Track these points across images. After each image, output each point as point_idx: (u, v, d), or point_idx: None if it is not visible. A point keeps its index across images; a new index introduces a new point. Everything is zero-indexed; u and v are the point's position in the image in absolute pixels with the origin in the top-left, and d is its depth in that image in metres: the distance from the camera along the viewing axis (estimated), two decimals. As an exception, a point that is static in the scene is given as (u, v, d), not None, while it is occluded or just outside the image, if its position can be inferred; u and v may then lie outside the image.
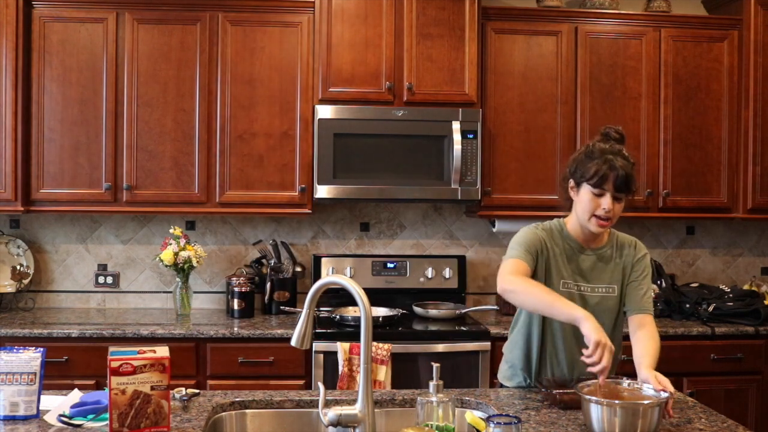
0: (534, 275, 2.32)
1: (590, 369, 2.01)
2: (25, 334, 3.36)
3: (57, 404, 2.15)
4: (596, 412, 1.88)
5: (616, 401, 1.88)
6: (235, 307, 3.77)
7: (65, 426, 1.99)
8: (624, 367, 3.52)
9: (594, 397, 1.90)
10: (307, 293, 1.94)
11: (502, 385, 2.53)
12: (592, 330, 2.03)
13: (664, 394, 1.96)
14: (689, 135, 3.93)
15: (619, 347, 2.41)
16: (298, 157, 3.74)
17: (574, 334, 2.32)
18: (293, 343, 1.96)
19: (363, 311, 1.86)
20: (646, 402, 1.89)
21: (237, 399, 2.25)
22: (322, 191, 3.67)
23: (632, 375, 2.14)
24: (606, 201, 2.25)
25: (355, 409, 1.85)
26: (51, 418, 2.04)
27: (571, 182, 2.36)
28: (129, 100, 3.68)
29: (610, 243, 2.42)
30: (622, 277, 2.39)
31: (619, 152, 2.29)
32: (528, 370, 2.44)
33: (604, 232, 2.39)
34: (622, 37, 3.90)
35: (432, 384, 1.93)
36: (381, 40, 3.71)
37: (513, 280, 2.23)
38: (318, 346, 3.40)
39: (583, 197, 2.30)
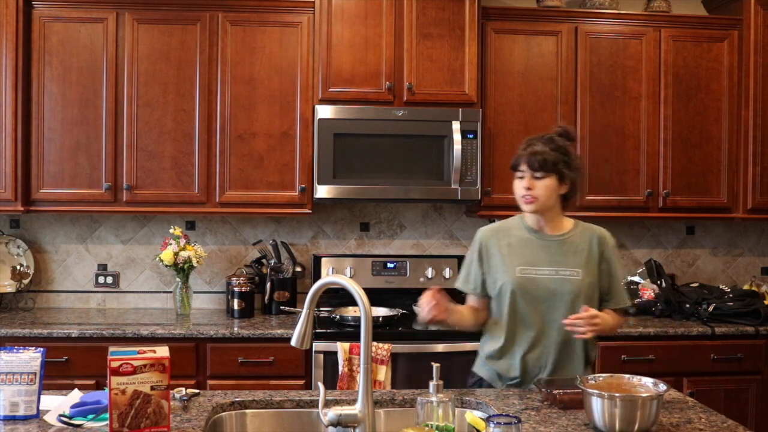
0: (488, 270, 2.51)
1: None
2: (25, 334, 3.36)
3: (57, 404, 2.15)
4: (597, 405, 1.93)
5: (617, 394, 1.93)
6: (235, 307, 3.77)
7: (65, 426, 1.99)
8: (625, 367, 3.53)
9: (595, 391, 1.95)
10: (307, 293, 1.95)
11: (481, 381, 2.56)
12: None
13: (662, 387, 2.00)
14: (689, 135, 3.93)
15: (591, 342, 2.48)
16: (298, 157, 3.74)
17: (543, 331, 2.44)
18: (293, 343, 1.96)
19: (363, 311, 1.86)
20: (645, 395, 1.94)
21: (237, 399, 2.25)
22: (322, 191, 3.67)
23: (633, 373, 2.14)
24: (524, 181, 2.41)
25: (355, 409, 1.85)
26: (51, 418, 2.04)
27: None
28: (129, 100, 3.68)
29: (575, 229, 2.50)
30: (587, 262, 2.44)
31: (541, 138, 2.45)
32: (493, 360, 2.52)
33: (562, 219, 2.50)
34: (622, 37, 3.90)
35: (432, 384, 1.93)
36: (381, 40, 3.71)
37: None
38: (318, 346, 3.40)
39: (514, 185, 2.47)
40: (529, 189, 2.39)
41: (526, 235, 2.49)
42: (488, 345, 2.54)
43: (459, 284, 2.59)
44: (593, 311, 2.27)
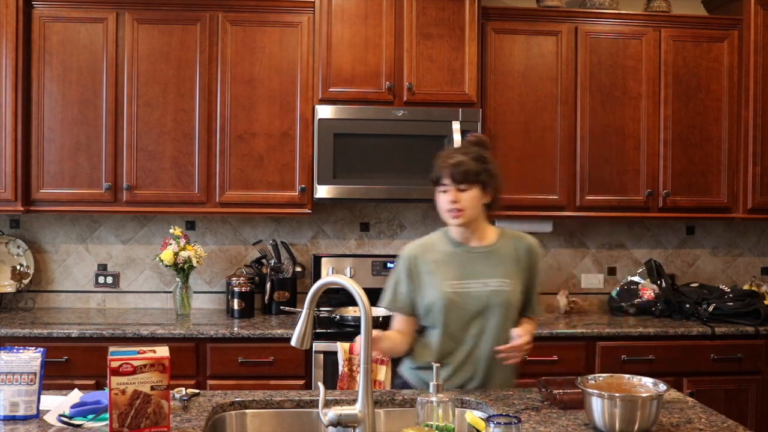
0: (418, 287, 2.44)
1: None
2: (25, 334, 3.36)
3: (57, 404, 2.15)
4: (597, 405, 1.94)
5: (617, 394, 1.93)
6: (235, 307, 3.77)
7: (65, 426, 1.99)
8: (624, 367, 3.53)
9: (595, 391, 1.95)
10: (307, 293, 1.95)
11: (407, 384, 2.53)
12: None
13: (662, 387, 2.00)
14: (689, 135, 3.93)
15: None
16: (298, 157, 3.74)
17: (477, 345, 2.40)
18: (293, 343, 1.96)
19: (363, 311, 1.86)
20: (645, 395, 1.94)
21: (237, 399, 2.25)
22: (322, 191, 3.67)
23: (633, 373, 2.14)
24: (448, 195, 2.38)
25: (355, 409, 1.85)
26: (51, 418, 2.04)
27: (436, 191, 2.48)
28: (129, 100, 3.68)
29: (501, 239, 2.48)
30: (515, 271, 2.43)
31: (458, 150, 2.48)
32: (422, 371, 2.47)
33: (486, 229, 2.47)
34: (622, 37, 3.90)
35: (432, 384, 1.93)
36: (381, 40, 3.71)
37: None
38: (318, 346, 3.40)
39: (437, 199, 2.44)
40: (454, 202, 2.36)
41: (452, 250, 2.45)
42: (418, 360, 2.48)
43: (385, 304, 2.49)
44: (525, 338, 2.27)
